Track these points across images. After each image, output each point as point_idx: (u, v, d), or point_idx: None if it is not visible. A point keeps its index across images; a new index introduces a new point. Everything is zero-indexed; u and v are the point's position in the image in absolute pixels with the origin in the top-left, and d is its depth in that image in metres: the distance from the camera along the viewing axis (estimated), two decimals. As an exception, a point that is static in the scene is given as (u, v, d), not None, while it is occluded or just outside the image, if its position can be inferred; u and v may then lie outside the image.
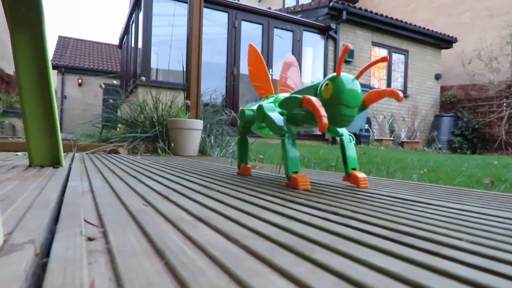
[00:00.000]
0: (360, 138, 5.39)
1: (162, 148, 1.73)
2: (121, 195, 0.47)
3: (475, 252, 0.25)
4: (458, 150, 6.11)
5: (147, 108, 1.98)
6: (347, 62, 5.94)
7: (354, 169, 0.65)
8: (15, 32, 0.82)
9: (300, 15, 5.98)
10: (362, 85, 5.13)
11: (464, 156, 3.94)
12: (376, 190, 0.60)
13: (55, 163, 0.90)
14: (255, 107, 0.74)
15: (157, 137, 1.79)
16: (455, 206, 0.45)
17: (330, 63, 5.90)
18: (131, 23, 5.88)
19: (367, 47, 6.24)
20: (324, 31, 5.83)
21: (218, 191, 0.54)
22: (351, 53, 5.93)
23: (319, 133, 5.78)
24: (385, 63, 6.46)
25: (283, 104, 0.65)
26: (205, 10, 3.28)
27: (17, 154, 1.33)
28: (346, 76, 0.53)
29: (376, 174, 1.43)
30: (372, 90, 0.55)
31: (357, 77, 0.54)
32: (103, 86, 2.14)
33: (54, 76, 3.85)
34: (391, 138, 6.13)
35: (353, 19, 5.90)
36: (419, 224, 0.34)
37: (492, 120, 6.08)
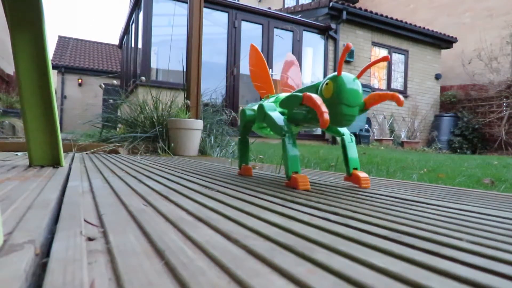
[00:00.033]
0: (360, 138, 5.39)
1: (162, 148, 1.73)
2: (121, 195, 0.47)
3: (475, 252, 0.25)
4: (458, 150, 6.11)
5: (147, 108, 1.98)
6: (347, 62, 5.93)
7: (356, 169, 0.65)
8: (15, 32, 0.82)
9: (300, 15, 5.98)
10: (362, 85, 5.12)
11: (464, 156, 3.94)
12: (376, 190, 0.60)
13: (55, 163, 0.90)
14: (256, 107, 0.74)
15: (157, 137, 1.79)
16: (455, 206, 0.45)
17: (330, 63, 5.90)
18: (131, 23, 5.88)
19: (367, 47, 6.24)
20: (324, 31, 5.83)
21: (218, 191, 0.54)
22: (351, 53, 5.93)
23: (319, 133, 5.78)
24: (385, 63, 6.46)
25: (284, 103, 0.65)
26: (205, 10, 3.28)
27: (17, 154, 1.33)
28: (347, 75, 0.53)
29: (376, 174, 1.43)
30: (373, 92, 0.55)
31: (358, 77, 0.54)
32: (103, 86, 2.14)
33: (54, 76, 3.85)
34: (391, 138, 6.13)
35: (353, 19, 5.90)
36: (419, 224, 0.34)
37: (492, 120, 6.09)
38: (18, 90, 0.84)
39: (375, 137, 6.10)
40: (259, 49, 0.88)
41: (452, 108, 6.94)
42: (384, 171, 1.56)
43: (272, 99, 0.76)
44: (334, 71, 6.09)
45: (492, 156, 4.36)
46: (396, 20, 6.30)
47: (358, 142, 5.29)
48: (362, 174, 0.63)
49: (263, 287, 0.18)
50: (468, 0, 7.59)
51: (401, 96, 0.51)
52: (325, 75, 5.82)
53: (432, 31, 6.74)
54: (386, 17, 6.17)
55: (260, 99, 0.86)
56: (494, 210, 0.43)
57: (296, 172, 0.60)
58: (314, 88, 0.59)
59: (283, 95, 0.74)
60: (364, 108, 0.56)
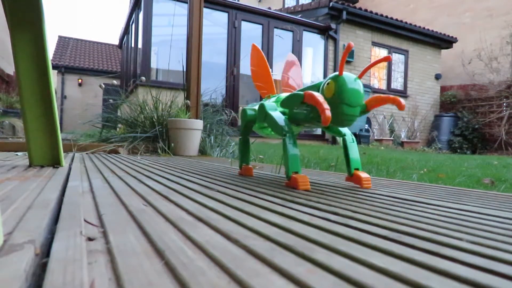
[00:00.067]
0: (360, 138, 5.39)
1: (162, 148, 1.73)
2: (121, 195, 0.47)
3: (475, 252, 0.25)
4: (458, 150, 6.11)
5: (147, 108, 1.98)
6: (347, 62, 5.93)
7: (357, 169, 0.65)
8: (15, 32, 0.82)
9: (300, 15, 5.98)
10: (363, 85, 5.12)
11: (464, 156, 3.95)
12: (376, 190, 0.60)
13: (55, 163, 0.90)
14: (257, 106, 0.74)
15: (157, 137, 1.79)
16: (455, 206, 0.45)
17: (330, 63, 5.90)
18: (131, 23, 5.88)
19: (367, 47, 6.24)
20: (324, 31, 5.83)
21: (218, 191, 0.54)
22: (351, 53, 5.93)
23: (319, 133, 5.77)
24: (385, 63, 6.46)
25: (285, 102, 0.65)
26: (205, 10, 3.28)
27: (17, 154, 1.33)
28: (349, 75, 0.53)
29: (376, 174, 1.43)
30: (375, 95, 0.56)
31: (360, 77, 0.54)
32: (103, 86, 2.14)
33: (54, 76, 3.85)
34: (391, 138, 6.13)
35: (353, 19, 5.90)
36: (419, 224, 0.34)
37: (492, 120, 6.09)
38: (18, 90, 0.84)
39: (375, 137, 6.10)
40: (260, 49, 0.88)
41: (452, 108, 6.94)
42: (384, 171, 1.56)
43: (273, 99, 0.76)
44: (334, 71, 6.10)
45: (492, 156, 4.36)
46: (396, 20, 6.30)
47: (358, 142, 5.28)
48: (363, 175, 0.63)
49: (263, 287, 0.18)
50: (468, 0, 7.60)
51: (402, 100, 0.51)
52: (325, 75, 5.82)
53: (432, 31, 6.74)
54: (386, 17, 6.17)
55: (261, 99, 0.86)
56: (494, 210, 0.43)
57: (296, 172, 0.60)
58: (315, 87, 0.59)
59: (284, 95, 0.74)
60: (365, 110, 0.56)
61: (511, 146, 5.77)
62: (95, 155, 1.47)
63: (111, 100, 2.47)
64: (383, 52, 6.49)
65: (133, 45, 5.53)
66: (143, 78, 3.65)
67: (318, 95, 0.53)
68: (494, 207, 0.46)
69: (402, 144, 6.11)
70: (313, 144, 5.09)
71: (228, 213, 0.37)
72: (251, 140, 0.84)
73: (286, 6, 8.98)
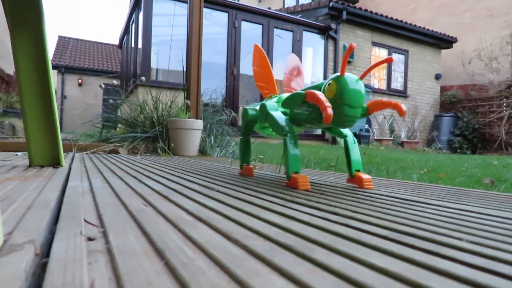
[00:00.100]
0: (360, 138, 5.39)
1: (162, 148, 1.73)
2: (121, 195, 0.47)
3: (475, 252, 0.25)
4: (458, 150, 6.11)
5: (147, 108, 1.98)
6: (347, 63, 5.93)
7: (358, 170, 0.65)
8: (15, 32, 0.82)
9: (300, 15, 5.98)
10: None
11: (464, 156, 3.94)
12: (376, 190, 0.60)
13: (55, 163, 0.90)
14: (258, 106, 0.74)
15: (157, 137, 1.79)
16: (455, 206, 0.45)
17: (330, 63, 5.90)
18: (131, 23, 5.88)
19: (367, 47, 6.24)
20: (324, 31, 5.83)
21: (218, 191, 0.54)
22: (351, 54, 5.92)
23: (319, 133, 5.77)
24: (385, 63, 6.45)
25: (287, 102, 0.65)
26: (205, 10, 3.28)
27: (17, 154, 1.33)
28: (350, 76, 0.53)
29: (376, 174, 1.43)
30: (377, 99, 0.56)
31: (361, 78, 0.54)
32: (103, 86, 2.14)
33: (54, 76, 3.85)
34: (391, 138, 6.13)
35: (353, 19, 5.90)
36: (419, 224, 0.34)
37: (492, 120, 6.09)
38: (18, 90, 0.84)
39: (375, 137, 6.10)
40: (262, 49, 0.88)
41: (452, 108, 6.94)
42: (384, 171, 1.56)
43: (275, 99, 0.76)
44: (334, 71, 6.08)
45: (492, 156, 4.36)
46: (396, 20, 6.30)
47: (358, 142, 5.26)
48: (365, 176, 0.63)
49: (263, 287, 0.18)
50: (468, 0, 7.59)
51: (403, 106, 0.51)
52: (325, 75, 5.82)
53: (432, 31, 6.74)
54: (386, 17, 6.17)
55: (262, 99, 0.86)
56: (494, 210, 0.43)
57: (297, 172, 0.60)
58: (317, 88, 0.59)
59: (286, 95, 0.74)
60: (366, 113, 0.56)
61: (511, 146, 5.77)
62: (95, 155, 1.47)
63: (111, 100, 2.47)
64: (383, 52, 6.49)
65: (133, 45, 5.53)
66: (143, 78, 3.65)
67: (319, 94, 0.53)
68: (494, 207, 0.46)
69: (402, 144, 6.11)
70: (313, 144, 5.09)
71: (228, 213, 0.37)
72: (251, 140, 0.84)
73: (286, 6, 8.99)
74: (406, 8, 8.72)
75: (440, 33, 6.84)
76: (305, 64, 5.97)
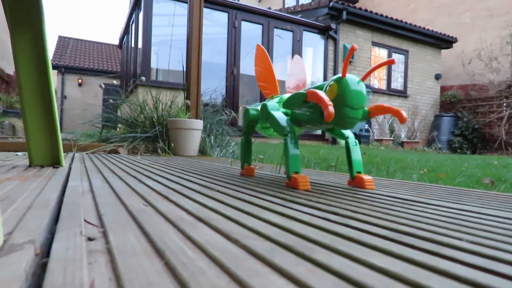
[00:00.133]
0: (360, 138, 5.39)
1: (162, 148, 1.73)
2: (121, 195, 0.47)
3: (475, 252, 0.25)
4: (458, 150, 6.11)
5: (147, 108, 1.98)
6: (347, 62, 5.92)
7: (359, 172, 0.65)
8: (15, 32, 0.82)
9: (300, 15, 5.98)
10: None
11: (464, 156, 3.94)
12: (376, 190, 0.60)
13: (55, 163, 0.90)
14: (259, 106, 0.74)
15: (157, 137, 1.79)
16: (455, 206, 0.45)
17: (330, 63, 5.90)
18: (131, 23, 5.88)
19: (367, 47, 6.24)
20: (324, 31, 5.83)
21: (218, 191, 0.54)
22: (351, 54, 5.92)
23: (319, 133, 5.77)
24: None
25: (288, 102, 0.65)
26: (205, 10, 3.28)
27: (17, 154, 1.33)
28: (352, 77, 0.53)
29: (376, 174, 1.43)
30: (379, 104, 0.56)
31: (363, 79, 0.54)
32: (103, 86, 2.14)
33: (54, 76, 3.85)
34: (391, 138, 6.13)
35: (353, 19, 5.90)
36: (419, 224, 0.34)
37: (492, 120, 6.09)
38: (18, 90, 0.84)
39: (375, 137, 6.10)
40: (264, 49, 0.88)
41: (452, 108, 6.94)
42: (384, 171, 1.56)
43: (276, 99, 0.76)
44: (334, 71, 6.07)
45: (492, 156, 4.36)
46: (396, 20, 6.30)
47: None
48: (366, 177, 0.63)
49: (263, 287, 0.18)
50: (468, 0, 7.59)
51: (404, 114, 0.51)
52: (325, 75, 5.82)
53: (432, 31, 6.74)
54: (386, 17, 6.17)
55: (263, 99, 0.86)
56: (494, 210, 0.43)
57: (297, 172, 0.60)
58: (319, 88, 0.59)
59: (287, 95, 0.74)
60: (368, 116, 0.57)
61: (511, 146, 5.77)
62: (95, 155, 1.47)
63: (111, 100, 2.47)
64: (383, 52, 6.49)
65: (133, 45, 5.53)
66: (143, 78, 3.65)
67: (320, 92, 0.53)
68: (494, 207, 0.46)
69: (402, 144, 6.11)
70: (313, 144, 5.09)
71: (228, 213, 0.37)
72: (252, 140, 0.84)
73: (286, 6, 8.99)
74: (406, 8, 8.72)
75: (440, 33, 6.84)
76: (305, 64, 5.96)
